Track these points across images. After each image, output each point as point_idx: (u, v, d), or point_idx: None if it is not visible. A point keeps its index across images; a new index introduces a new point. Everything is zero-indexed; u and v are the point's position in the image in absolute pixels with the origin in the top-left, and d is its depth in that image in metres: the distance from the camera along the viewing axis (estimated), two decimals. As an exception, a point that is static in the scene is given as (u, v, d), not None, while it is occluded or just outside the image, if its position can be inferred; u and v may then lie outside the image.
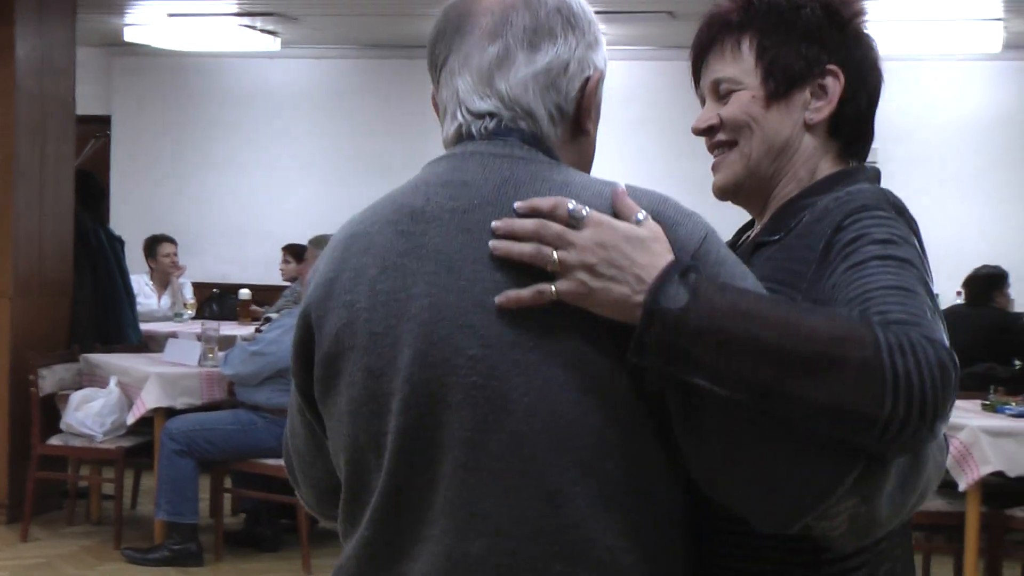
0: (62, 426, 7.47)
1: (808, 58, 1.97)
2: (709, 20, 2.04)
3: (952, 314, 8.18)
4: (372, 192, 8.61)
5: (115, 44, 11.23)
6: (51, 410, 7.57)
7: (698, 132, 2.05)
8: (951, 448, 5.80)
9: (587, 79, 1.84)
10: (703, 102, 2.07)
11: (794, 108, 1.98)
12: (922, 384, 1.55)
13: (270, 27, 10.15)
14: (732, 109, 1.99)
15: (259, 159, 11.50)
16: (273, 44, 10.45)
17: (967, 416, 6.10)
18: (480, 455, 1.67)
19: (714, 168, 2.05)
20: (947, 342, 1.61)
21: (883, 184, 1.99)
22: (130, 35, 10.29)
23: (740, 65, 2.00)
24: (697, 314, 1.60)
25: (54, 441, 7.45)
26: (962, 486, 5.81)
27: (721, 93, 2.02)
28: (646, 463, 1.68)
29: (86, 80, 9.36)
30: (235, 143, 11.58)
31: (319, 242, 7.33)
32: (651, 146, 10.65)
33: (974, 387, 6.99)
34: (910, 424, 1.56)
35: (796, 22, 1.98)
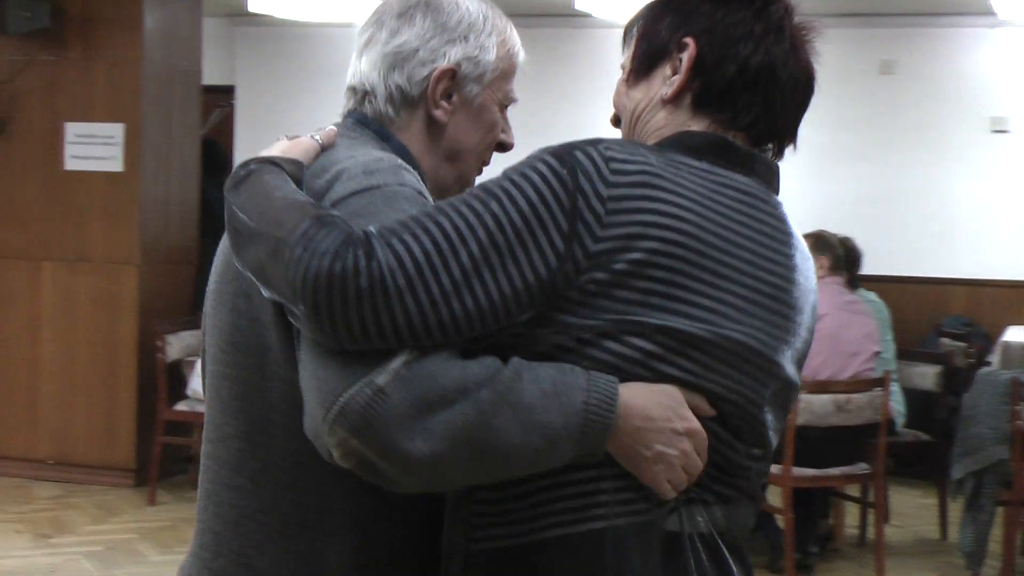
0: (188, 392, 7.59)
1: (670, 32, 1.92)
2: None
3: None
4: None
5: (239, 14, 11.33)
6: (177, 376, 7.69)
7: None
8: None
9: (435, 68, 2.02)
10: None
11: (654, 84, 1.95)
12: (305, 273, 1.65)
13: (390, -3, 10.17)
14: (613, 95, 2.06)
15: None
16: (394, 13, 10.46)
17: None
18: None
19: None
20: (397, 252, 1.65)
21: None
22: (254, 5, 10.35)
23: (629, 51, 2.02)
24: (241, 182, 1.88)
25: (180, 407, 7.57)
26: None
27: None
28: (275, 398, 1.87)
29: (211, 50, 9.46)
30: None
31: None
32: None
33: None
34: (301, 308, 1.67)
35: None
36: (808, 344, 1.92)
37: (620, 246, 1.69)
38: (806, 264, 1.91)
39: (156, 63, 8.06)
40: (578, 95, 10.76)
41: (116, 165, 7.96)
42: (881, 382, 6.29)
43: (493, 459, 1.67)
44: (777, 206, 1.88)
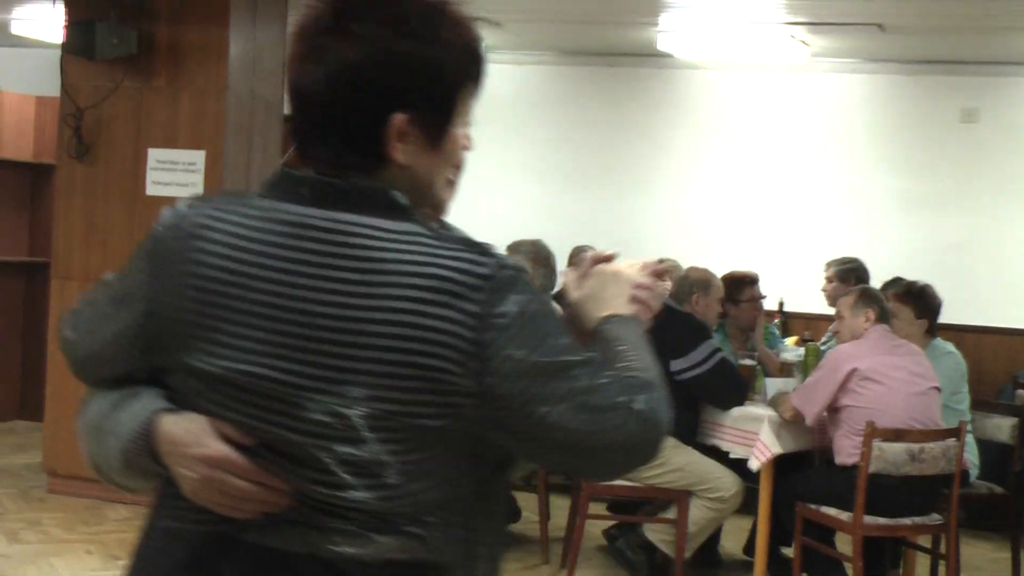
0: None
1: None
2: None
3: None
4: (567, 201, 8.76)
5: (323, 46, 11.45)
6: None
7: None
8: None
9: None
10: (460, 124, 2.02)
11: None
12: None
13: (475, 32, 10.23)
14: None
15: (459, 163, 11.59)
16: (477, 49, 10.53)
17: None
18: None
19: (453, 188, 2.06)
20: None
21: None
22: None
23: None
24: None
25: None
26: None
27: None
28: None
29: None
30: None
31: (517, 247, 7.36)
32: (856, 160, 10.46)
33: None
34: None
35: None
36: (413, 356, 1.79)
37: (169, 299, 1.90)
38: (403, 284, 1.80)
39: (240, 92, 8.15)
40: (660, 134, 10.77)
41: (197, 191, 8.04)
42: (956, 432, 6.23)
43: (109, 473, 2.00)
44: (345, 229, 1.83)
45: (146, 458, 1.93)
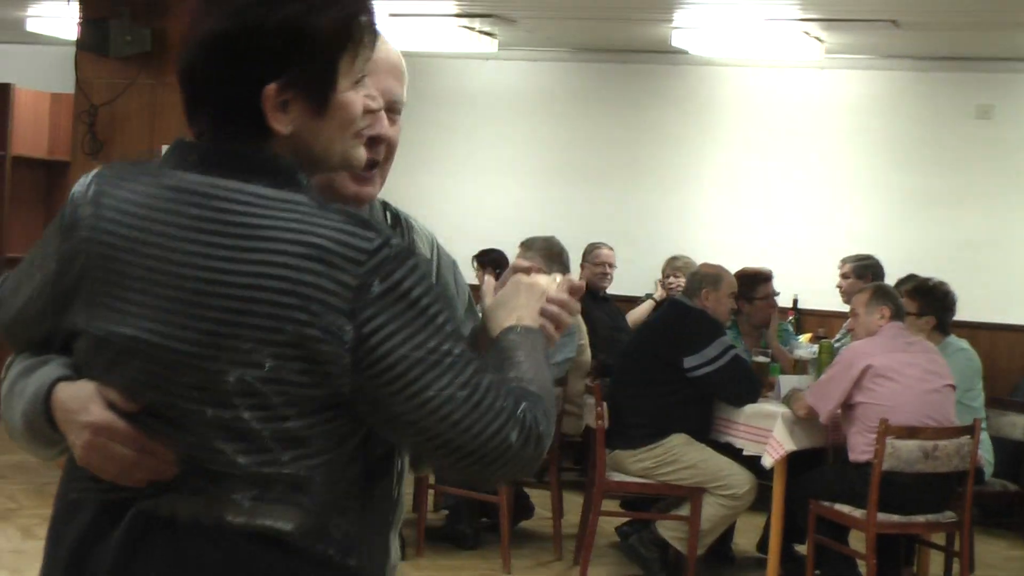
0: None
1: None
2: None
3: None
4: (581, 197, 8.75)
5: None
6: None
7: (375, 140, 2.14)
8: None
9: None
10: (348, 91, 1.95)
11: None
12: None
13: (487, 29, 10.23)
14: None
15: (470, 160, 11.59)
16: (490, 46, 10.52)
17: None
18: None
19: (368, 182, 2.19)
20: None
21: None
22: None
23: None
24: None
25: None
26: None
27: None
28: None
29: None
30: (448, 143, 11.68)
31: (531, 244, 7.35)
32: (871, 157, 10.44)
33: None
34: None
35: None
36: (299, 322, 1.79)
37: (72, 263, 1.90)
38: (283, 247, 1.79)
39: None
40: (674, 131, 10.76)
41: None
42: (970, 430, 6.21)
43: (17, 438, 2.02)
44: (225, 195, 1.84)
45: (44, 425, 1.94)
